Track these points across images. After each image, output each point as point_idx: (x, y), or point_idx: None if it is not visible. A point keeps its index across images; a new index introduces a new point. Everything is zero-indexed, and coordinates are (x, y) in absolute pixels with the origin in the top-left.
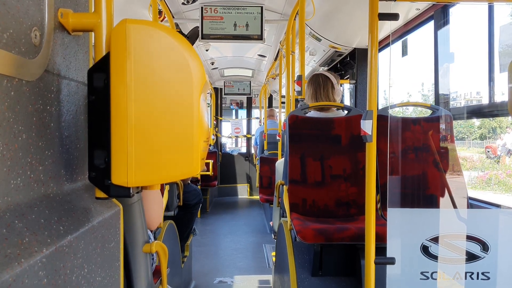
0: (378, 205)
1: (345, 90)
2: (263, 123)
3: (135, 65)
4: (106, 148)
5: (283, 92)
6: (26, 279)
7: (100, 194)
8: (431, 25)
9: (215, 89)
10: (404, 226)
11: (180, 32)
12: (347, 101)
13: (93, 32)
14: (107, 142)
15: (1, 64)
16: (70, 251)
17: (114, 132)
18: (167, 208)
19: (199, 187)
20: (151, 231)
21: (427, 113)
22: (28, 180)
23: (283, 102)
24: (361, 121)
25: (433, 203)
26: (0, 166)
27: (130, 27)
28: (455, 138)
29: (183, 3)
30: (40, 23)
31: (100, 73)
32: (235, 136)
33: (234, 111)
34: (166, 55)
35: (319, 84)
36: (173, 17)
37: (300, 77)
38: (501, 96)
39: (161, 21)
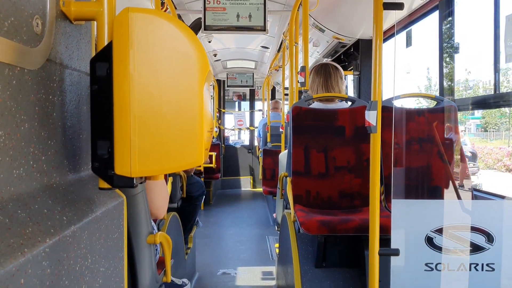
0: (382, 197)
1: (348, 82)
2: (266, 115)
3: (138, 54)
4: (109, 138)
5: (286, 84)
6: (29, 269)
7: (103, 184)
8: (436, 15)
9: (218, 81)
10: (409, 217)
11: None
12: (351, 93)
13: (95, 21)
14: (110, 132)
15: (3, 52)
16: (73, 241)
17: (117, 122)
18: (171, 200)
19: (202, 179)
20: (155, 222)
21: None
22: (30, 170)
23: (286, 94)
24: (366, 112)
25: (437, 194)
26: (2, 155)
27: (132, 15)
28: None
29: None
30: (42, 11)
31: (103, 62)
32: (238, 128)
33: (237, 103)
34: (169, 44)
35: (330, 74)
36: (176, 8)
37: (303, 68)
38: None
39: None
